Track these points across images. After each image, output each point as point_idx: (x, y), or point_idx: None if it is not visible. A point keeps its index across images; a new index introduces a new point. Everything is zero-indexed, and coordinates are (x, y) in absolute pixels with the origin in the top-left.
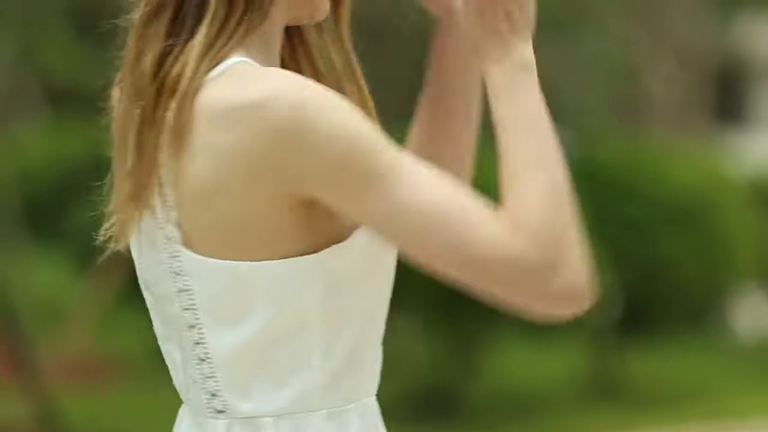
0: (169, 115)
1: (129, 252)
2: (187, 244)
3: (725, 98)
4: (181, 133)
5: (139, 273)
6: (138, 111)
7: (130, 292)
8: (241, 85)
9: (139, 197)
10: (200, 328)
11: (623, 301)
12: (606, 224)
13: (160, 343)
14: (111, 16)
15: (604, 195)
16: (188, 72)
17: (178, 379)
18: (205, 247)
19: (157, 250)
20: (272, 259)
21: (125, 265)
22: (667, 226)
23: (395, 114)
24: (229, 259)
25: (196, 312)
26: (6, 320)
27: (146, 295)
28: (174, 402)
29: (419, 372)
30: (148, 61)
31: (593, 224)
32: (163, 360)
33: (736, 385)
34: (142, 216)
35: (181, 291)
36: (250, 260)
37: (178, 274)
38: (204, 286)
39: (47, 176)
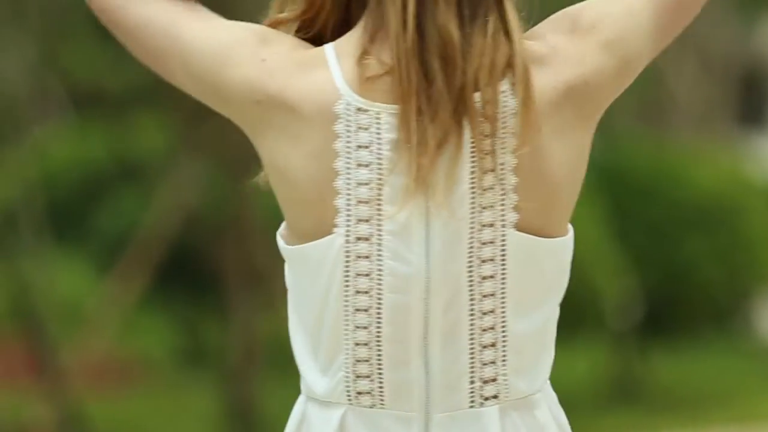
0: (509, 99)
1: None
2: (520, 227)
3: (749, 101)
4: (534, 118)
5: (349, 272)
6: (447, 92)
7: (152, 295)
8: (561, 61)
9: (450, 189)
10: (503, 313)
11: (646, 304)
12: (629, 227)
13: (371, 346)
14: None
15: (627, 198)
16: (518, 52)
17: (404, 376)
18: (538, 228)
19: (458, 240)
20: (568, 233)
21: (147, 267)
22: (690, 229)
23: None
24: (555, 237)
25: (503, 297)
26: (29, 323)
27: (372, 297)
28: (196, 403)
29: None
30: (452, 34)
31: (617, 227)
32: (185, 362)
33: (761, 388)
34: (443, 205)
35: (485, 278)
36: (562, 236)
37: (490, 260)
38: (524, 268)
39: (70, 179)
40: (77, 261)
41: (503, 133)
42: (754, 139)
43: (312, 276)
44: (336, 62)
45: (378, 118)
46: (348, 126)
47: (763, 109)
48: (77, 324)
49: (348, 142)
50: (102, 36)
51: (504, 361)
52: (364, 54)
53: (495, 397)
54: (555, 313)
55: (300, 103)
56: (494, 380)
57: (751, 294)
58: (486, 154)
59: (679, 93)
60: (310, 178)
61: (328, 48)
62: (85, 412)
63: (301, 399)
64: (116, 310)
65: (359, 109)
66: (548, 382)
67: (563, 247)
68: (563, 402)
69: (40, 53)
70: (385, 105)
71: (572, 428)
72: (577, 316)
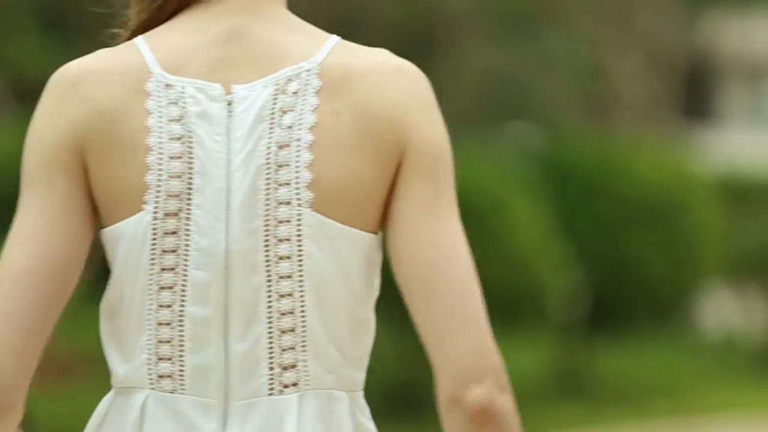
0: (313, 79)
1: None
2: (316, 207)
3: (693, 96)
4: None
5: (156, 249)
6: None
7: (96, 289)
8: None
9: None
10: (302, 297)
11: (591, 298)
12: (575, 222)
13: (173, 326)
14: (78, 13)
15: (572, 193)
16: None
17: (204, 359)
18: (335, 212)
19: (255, 217)
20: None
21: (91, 262)
22: (635, 224)
23: None
24: (355, 228)
25: (301, 280)
26: None
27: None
28: None
29: (391, 370)
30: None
31: (561, 222)
32: None
33: (702, 381)
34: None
35: (281, 258)
36: (364, 230)
37: (286, 240)
38: (321, 251)
39: (14, 173)
40: None
41: (301, 110)
42: (699, 133)
43: (122, 257)
44: (147, 47)
45: (183, 92)
46: (159, 102)
47: (707, 103)
48: None
49: (160, 117)
50: (46, 31)
51: (304, 347)
52: (171, 39)
53: (295, 384)
54: (367, 314)
55: (113, 91)
56: (294, 366)
57: (693, 289)
58: (284, 129)
59: (623, 88)
60: (135, 161)
61: (138, 39)
62: (29, 405)
63: (108, 395)
64: None
65: (168, 86)
66: (362, 394)
67: (367, 241)
68: (512, 392)
69: None
70: (190, 80)
71: (521, 417)
72: (521, 309)
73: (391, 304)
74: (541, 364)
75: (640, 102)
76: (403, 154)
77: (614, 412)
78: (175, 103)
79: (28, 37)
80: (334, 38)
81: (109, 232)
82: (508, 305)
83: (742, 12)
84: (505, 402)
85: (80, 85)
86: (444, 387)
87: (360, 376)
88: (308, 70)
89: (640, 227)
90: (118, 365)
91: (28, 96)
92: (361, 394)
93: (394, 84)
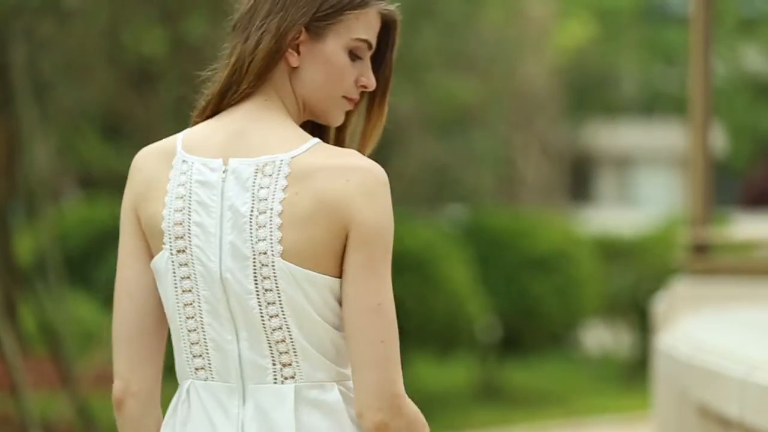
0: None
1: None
2: (285, 256)
3: (577, 181)
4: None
5: (176, 276)
6: None
7: None
8: None
9: None
10: (285, 318)
11: (504, 327)
12: (490, 271)
13: (198, 331)
14: (130, 120)
15: (489, 250)
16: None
17: (224, 356)
18: (299, 260)
19: (243, 255)
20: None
21: None
22: (536, 272)
23: None
24: (317, 272)
25: (282, 306)
26: (53, 343)
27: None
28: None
29: None
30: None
31: (481, 271)
32: (170, 369)
33: (584, 389)
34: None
35: (267, 290)
36: (326, 275)
37: (268, 278)
38: (291, 288)
39: (82, 238)
40: (87, 298)
41: (275, 188)
42: (581, 208)
43: (159, 283)
44: (182, 136)
45: (192, 166)
46: (176, 172)
47: (587, 187)
48: (88, 343)
49: (173, 182)
50: (106, 132)
51: (295, 353)
52: (198, 132)
53: (292, 377)
54: (336, 335)
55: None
56: (290, 365)
57: (578, 321)
58: (261, 199)
59: (527, 175)
60: (158, 213)
61: (183, 131)
62: (93, 407)
63: None
64: None
65: (183, 161)
66: (350, 382)
67: (327, 281)
68: (445, 399)
69: (60, 145)
70: (198, 157)
71: (452, 418)
72: (455, 336)
73: None
74: (469, 376)
75: (539, 185)
76: (348, 229)
77: (521, 413)
78: (185, 173)
79: (92, 138)
80: (314, 141)
81: (152, 264)
82: (446, 332)
83: (611, 119)
84: (398, 423)
85: (140, 163)
86: (356, 405)
87: (346, 371)
88: (282, 160)
89: (539, 275)
90: (176, 361)
91: (91, 182)
92: (349, 382)
93: (343, 177)
